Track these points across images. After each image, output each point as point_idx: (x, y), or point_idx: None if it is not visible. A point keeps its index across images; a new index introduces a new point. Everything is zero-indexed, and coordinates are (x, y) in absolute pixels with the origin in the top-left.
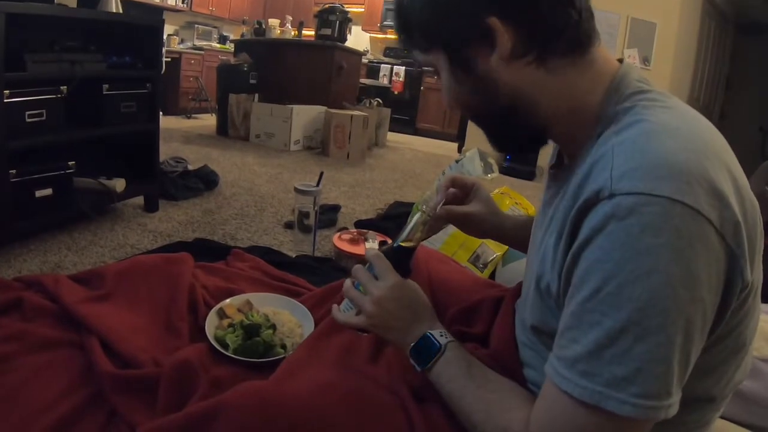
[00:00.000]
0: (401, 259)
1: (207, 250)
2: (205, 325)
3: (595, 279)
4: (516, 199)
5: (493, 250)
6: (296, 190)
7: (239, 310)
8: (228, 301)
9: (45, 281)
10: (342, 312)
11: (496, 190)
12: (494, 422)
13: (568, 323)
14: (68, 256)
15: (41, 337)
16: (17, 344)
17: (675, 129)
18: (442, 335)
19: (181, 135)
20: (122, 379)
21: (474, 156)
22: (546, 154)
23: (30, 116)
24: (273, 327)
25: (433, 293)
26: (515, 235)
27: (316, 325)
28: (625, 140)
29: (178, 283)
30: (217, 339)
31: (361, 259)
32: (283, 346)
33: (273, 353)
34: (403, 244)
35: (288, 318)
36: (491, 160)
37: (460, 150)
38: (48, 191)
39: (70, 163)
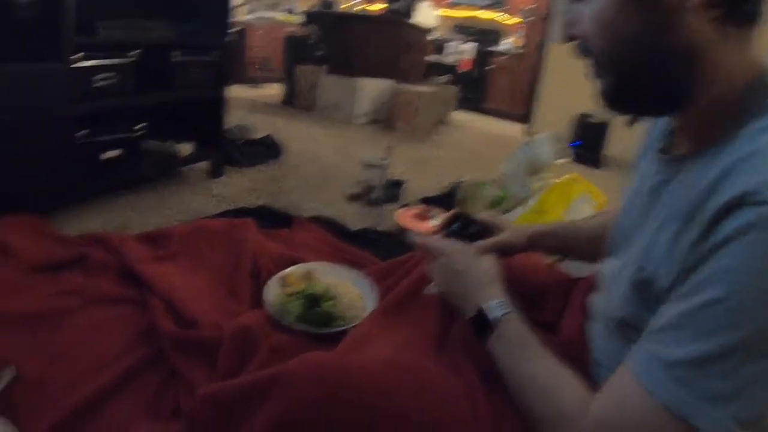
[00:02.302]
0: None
1: (270, 218)
2: (265, 293)
3: (720, 287)
4: (586, 187)
5: None
6: (364, 162)
7: (301, 279)
8: (290, 269)
9: (110, 239)
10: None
11: (565, 177)
12: (549, 404)
13: (674, 321)
14: (133, 218)
15: (102, 293)
16: (77, 299)
17: None
18: (501, 306)
19: (247, 104)
20: (184, 339)
21: (546, 139)
22: (616, 142)
23: (100, 80)
24: (335, 298)
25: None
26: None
27: (380, 299)
28: None
29: (242, 249)
30: (277, 307)
31: (423, 234)
32: (344, 318)
33: (334, 325)
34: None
35: (350, 290)
36: (562, 144)
37: (527, 132)
38: (115, 153)
39: (138, 126)
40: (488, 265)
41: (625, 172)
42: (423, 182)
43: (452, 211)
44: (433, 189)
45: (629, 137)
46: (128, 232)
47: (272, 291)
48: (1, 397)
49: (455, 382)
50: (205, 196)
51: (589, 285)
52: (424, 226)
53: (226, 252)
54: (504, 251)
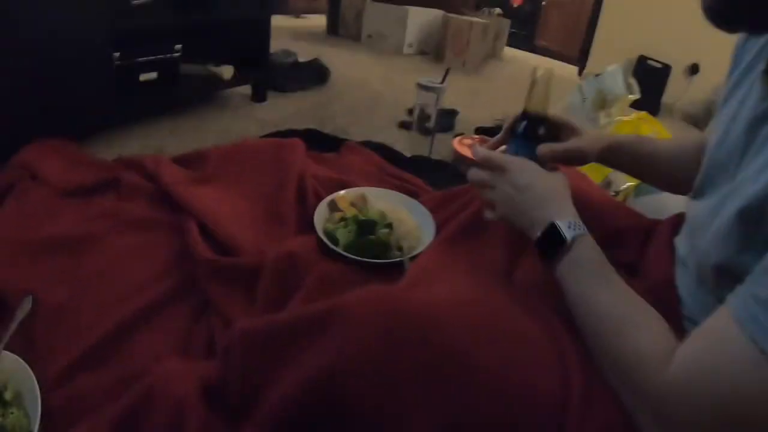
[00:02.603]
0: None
1: (318, 141)
2: (314, 218)
3: None
4: (654, 127)
5: (625, 179)
6: (419, 85)
7: (353, 204)
8: (341, 193)
9: (145, 162)
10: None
11: (633, 115)
12: (628, 341)
13: None
14: (170, 141)
15: (135, 217)
16: (110, 222)
17: None
18: (571, 227)
19: (290, 32)
20: (220, 266)
21: (617, 71)
22: (677, 90)
23: None
24: (389, 226)
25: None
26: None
27: (437, 230)
28: None
29: (288, 170)
30: (327, 233)
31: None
32: (400, 249)
33: (388, 255)
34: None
35: (406, 217)
36: (632, 80)
37: (580, 74)
38: (153, 75)
39: (176, 47)
40: (556, 181)
41: (684, 122)
42: (475, 114)
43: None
44: (486, 121)
45: (691, 85)
46: (164, 156)
47: (321, 216)
48: (19, 330)
49: (534, 323)
50: (248, 120)
51: (674, 225)
52: None
53: (270, 173)
54: (574, 159)
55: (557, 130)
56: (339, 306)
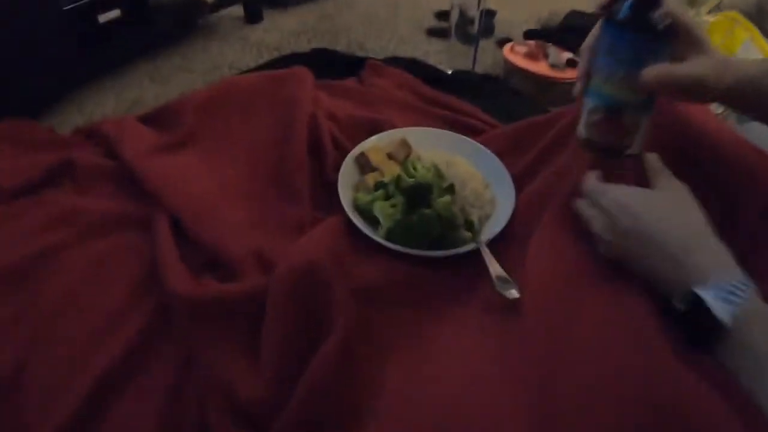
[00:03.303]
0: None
1: (330, 64)
2: (337, 182)
3: None
4: (750, 31)
5: None
6: None
7: (390, 157)
8: (372, 140)
9: (106, 129)
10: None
11: (719, 15)
12: None
13: None
14: (150, 89)
15: (96, 214)
16: (67, 230)
17: None
18: (732, 294)
19: None
20: (201, 303)
21: None
22: None
23: None
24: (450, 189)
25: (712, 178)
26: None
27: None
28: None
29: (293, 114)
30: (359, 209)
31: (540, 79)
32: (469, 225)
33: (455, 238)
34: None
35: (466, 170)
36: None
37: None
38: (115, 13)
39: None
40: (679, 210)
41: None
42: (515, 14)
43: None
44: (529, 22)
45: None
46: (144, 111)
47: (347, 180)
48: None
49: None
50: (242, 47)
51: None
52: (540, 66)
53: (268, 122)
54: (693, 94)
55: (673, 20)
56: None
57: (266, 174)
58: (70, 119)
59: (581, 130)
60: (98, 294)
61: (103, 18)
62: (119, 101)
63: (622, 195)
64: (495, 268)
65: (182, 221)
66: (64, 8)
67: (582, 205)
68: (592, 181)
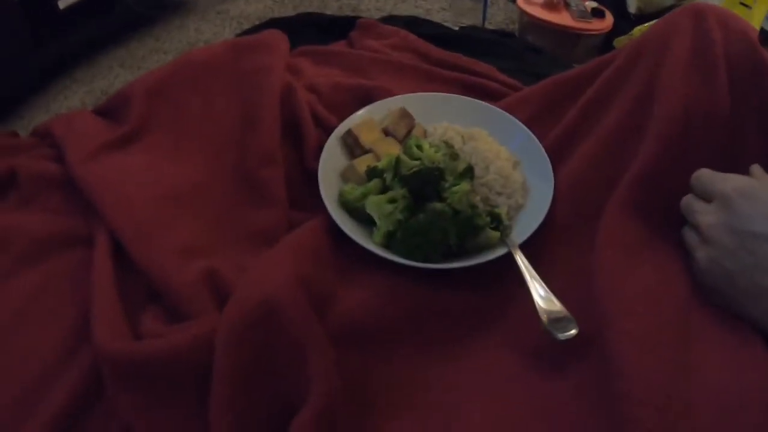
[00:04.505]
0: None
1: (315, 29)
2: (318, 169)
3: None
4: None
5: None
6: None
7: (387, 132)
8: (363, 113)
9: (53, 127)
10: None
11: None
12: None
13: None
14: (120, 76)
15: (37, 237)
16: (2, 257)
17: None
18: None
19: None
20: (136, 363)
21: None
22: None
23: None
24: (469, 172)
25: None
26: None
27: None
28: None
29: (262, 87)
30: (346, 206)
31: (563, 32)
32: (494, 219)
33: (478, 242)
34: None
35: (487, 146)
36: None
37: None
38: None
39: None
40: None
41: None
42: None
43: None
44: None
45: None
46: (85, 110)
47: (330, 167)
48: None
49: None
50: (221, 21)
51: None
52: (562, 17)
53: (231, 102)
54: None
55: None
56: None
57: (225, 169)
58: (37, 119)
59: None
60: (25, 346)
61: (63, 3)
62: (89, 93)
63: (749, 182)
64: (540, 293)
65: (121, 240)
66: None
67: (688, 200)
68: (704, 171)
